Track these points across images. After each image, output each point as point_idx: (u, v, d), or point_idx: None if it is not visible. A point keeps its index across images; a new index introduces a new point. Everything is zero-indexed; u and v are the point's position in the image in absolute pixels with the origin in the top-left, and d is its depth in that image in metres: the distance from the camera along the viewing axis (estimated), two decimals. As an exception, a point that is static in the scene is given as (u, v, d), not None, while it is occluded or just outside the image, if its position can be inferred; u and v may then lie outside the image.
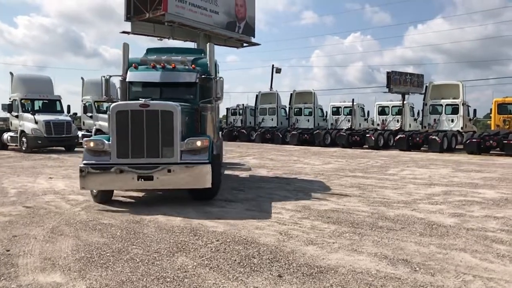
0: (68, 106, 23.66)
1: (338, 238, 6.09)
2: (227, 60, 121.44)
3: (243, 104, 36.40)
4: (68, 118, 22.35)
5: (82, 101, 25.32)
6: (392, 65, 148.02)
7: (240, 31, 30.76)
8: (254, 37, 32.28)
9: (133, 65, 9.42)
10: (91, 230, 6.54)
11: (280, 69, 43.92)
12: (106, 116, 24.07)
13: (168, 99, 8.78)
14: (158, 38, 29.11)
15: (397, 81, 27.94)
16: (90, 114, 24.46)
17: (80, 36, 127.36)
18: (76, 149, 22.39)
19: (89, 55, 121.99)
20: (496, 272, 4.82)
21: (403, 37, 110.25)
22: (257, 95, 34.26)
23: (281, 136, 29.98)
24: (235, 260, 5.14)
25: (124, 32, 27.28)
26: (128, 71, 9.30)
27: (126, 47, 9.69)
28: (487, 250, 5.60)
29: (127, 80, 9.20)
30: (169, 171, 7.83)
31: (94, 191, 8.41)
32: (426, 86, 27.17)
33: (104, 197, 8.54)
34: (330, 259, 5.21)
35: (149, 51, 10.79)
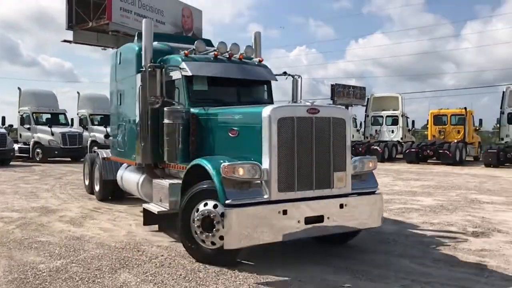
0: (3, 118, 22.46)
1: (285, 248, 6.13)
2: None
3: None
4: (3, 130, 21.11)
5: (19, 112, 24.00)
6: (336, 78, 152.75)
7: (187, 42, 30.61)
8: (201, 49, 32.23)
9: (184, 52, 6.87)
10: (26, 249, 6.16)
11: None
12: (45, 128, 23.46)
13: (244, 102, 6.93)
14: (102, 47, 28.43)
15: (340, 93, 29.02)
16: (27, 126, 23.26)
17: (16, 44, 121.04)
18: (11, 163, 21.15)
19: (27, 64, 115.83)
20: (433, 276, 5.06)
21: (345, 51, 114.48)
22: (368, 99, 27.07)
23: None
24: (181, 275, 5.04)
25: (65, 41, 26.48)
26: (183, 61, 6.73)
27: (148, 24, 7.04)
28: (424, 255, 5.87)
29: (189, 73, 6.58)
30: (341, 206, 5.53)
31: (212, 243, 5.27)
32: (368, 98, 28.38)
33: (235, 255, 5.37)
34: (277, 269, 5.21)
35: (140, 36, 8.20)
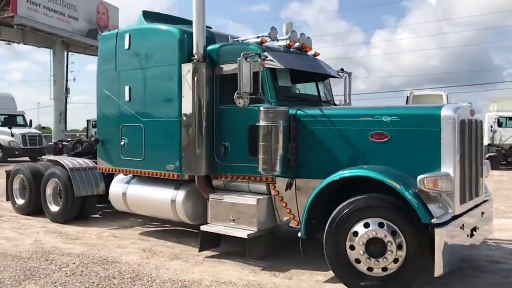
0: None
1: (203, 252, 6.07)
2: (88, 69, 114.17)
3: None
4: None
5: None
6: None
7: (102, 39, 29.39)
8: (118, 47, 31.13)
9: (262, 40, 5.89)
10: None
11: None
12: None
13: (324, 102, 6.48)
14: (6, 42, 26.31)
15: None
16: None
17: None
18: None
19: None
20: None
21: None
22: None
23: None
24: (93, 283, 4.82)
25: (-38, 33, 24.05)
26: (266, 51, 5.64)
27: (201, 2, 5.96)
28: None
29: (280, 65, 5.58)
30: (482, 214, 5.23)
31: (384, 269, 4.46)
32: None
33: None
34: (194, 272, 5.22)
35: (147, 16, 7.19)
